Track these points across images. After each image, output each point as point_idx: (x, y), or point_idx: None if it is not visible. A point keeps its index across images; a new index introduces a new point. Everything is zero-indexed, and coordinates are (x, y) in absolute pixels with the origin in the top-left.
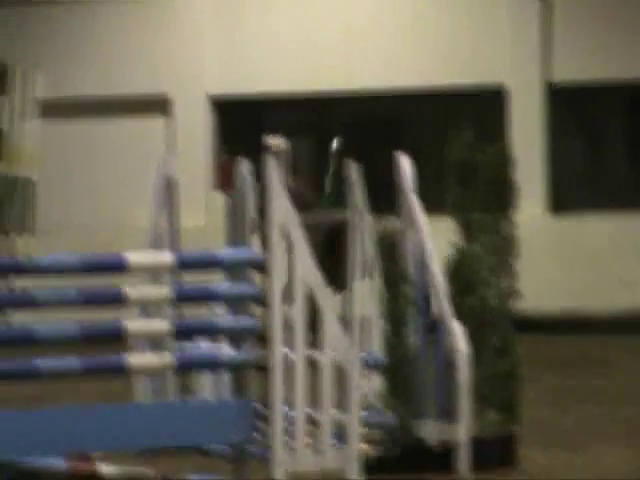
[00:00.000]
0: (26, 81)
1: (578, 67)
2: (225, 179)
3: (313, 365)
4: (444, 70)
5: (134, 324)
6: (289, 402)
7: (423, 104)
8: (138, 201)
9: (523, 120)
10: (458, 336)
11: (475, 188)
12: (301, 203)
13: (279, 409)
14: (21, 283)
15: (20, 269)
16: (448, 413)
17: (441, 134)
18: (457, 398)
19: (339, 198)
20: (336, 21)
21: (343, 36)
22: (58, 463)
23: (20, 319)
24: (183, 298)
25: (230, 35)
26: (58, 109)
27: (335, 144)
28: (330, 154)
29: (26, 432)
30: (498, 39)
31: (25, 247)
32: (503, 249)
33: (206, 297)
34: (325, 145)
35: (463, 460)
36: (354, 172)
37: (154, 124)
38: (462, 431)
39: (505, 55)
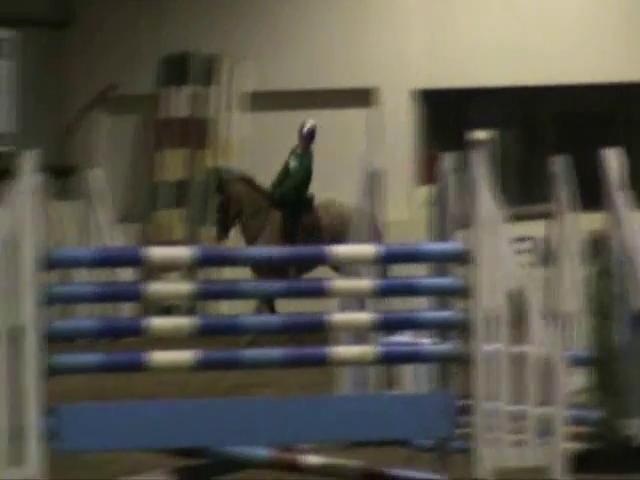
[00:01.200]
0: (234, 73)
1: None
2: (430, 173)
3: (516, 359)
4: None
5: (338, 316)
6: (492, 396)
7: (632, 97)
8: (343, 193)
9: None
10: None
11: None
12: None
13: (482, 403)
14: (226, 273)
15: (226, 259)
16: None
17: None
18: None
19: (302, 187)
20: (544, 14)
21: (551, 29)
22: (261, 452)
23: (225, 309)
24: (387, 291)
25: (437, 28)
26: (266, 101)
27: (307, 127)
28: (300, 136)
29: (230, 420)
30: None
31: (230, 237)
32: None
33: (410, 290)
34: (532, 137)
35: None
36: (559, 165)
37: (360, 117)
38: None
39: None
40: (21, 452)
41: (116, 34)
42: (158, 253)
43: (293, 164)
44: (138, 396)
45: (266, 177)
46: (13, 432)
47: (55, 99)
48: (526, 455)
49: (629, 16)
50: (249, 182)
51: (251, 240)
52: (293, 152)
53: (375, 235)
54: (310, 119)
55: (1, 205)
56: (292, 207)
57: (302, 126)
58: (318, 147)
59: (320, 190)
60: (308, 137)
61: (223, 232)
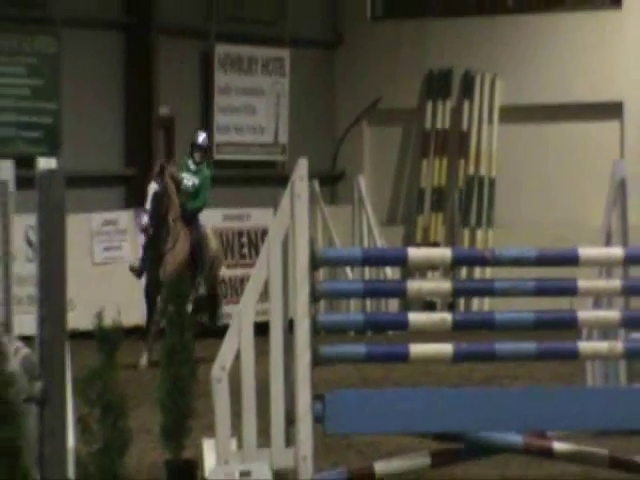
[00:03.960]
0: (490, 88)
1: None
2: None
3: None
4: None
5: (586, 314)
6: None
7: None
8: (586, 200)
9: None
10: None
11: None
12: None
13: None
14: (481, 272)
15: (482, 260)
16: None
17: None
18: None
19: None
20: None
21: None
22: (514, 438)
23: (478, 306)
24: (633, 290)
25: None
26: (516, 114)
27: (201, 139)
28: (196, 149)
29: (485, 408)
30: None
31: (484, 239)
32: None
33: None
34: None
35: None
36: None
37: (605, 129)
38: None
39: None
40: (294, 435)
41: (381, 53)
42: (421, 254)
43: (192, 181)
44: (398, 385)
45: (518, 186)
46: (287, 417)
47: (325, 112)
48: None
49: None
50: (177, 186)
51: (171, 246)
52: (184, 167)
53: None
54: (201, 130)
55: (279, 210)
56: (195, 221)
57: (195, 138)
58: (564, 159)
59: (566, 198)
60: (204, 149)
61: (152, 226)
